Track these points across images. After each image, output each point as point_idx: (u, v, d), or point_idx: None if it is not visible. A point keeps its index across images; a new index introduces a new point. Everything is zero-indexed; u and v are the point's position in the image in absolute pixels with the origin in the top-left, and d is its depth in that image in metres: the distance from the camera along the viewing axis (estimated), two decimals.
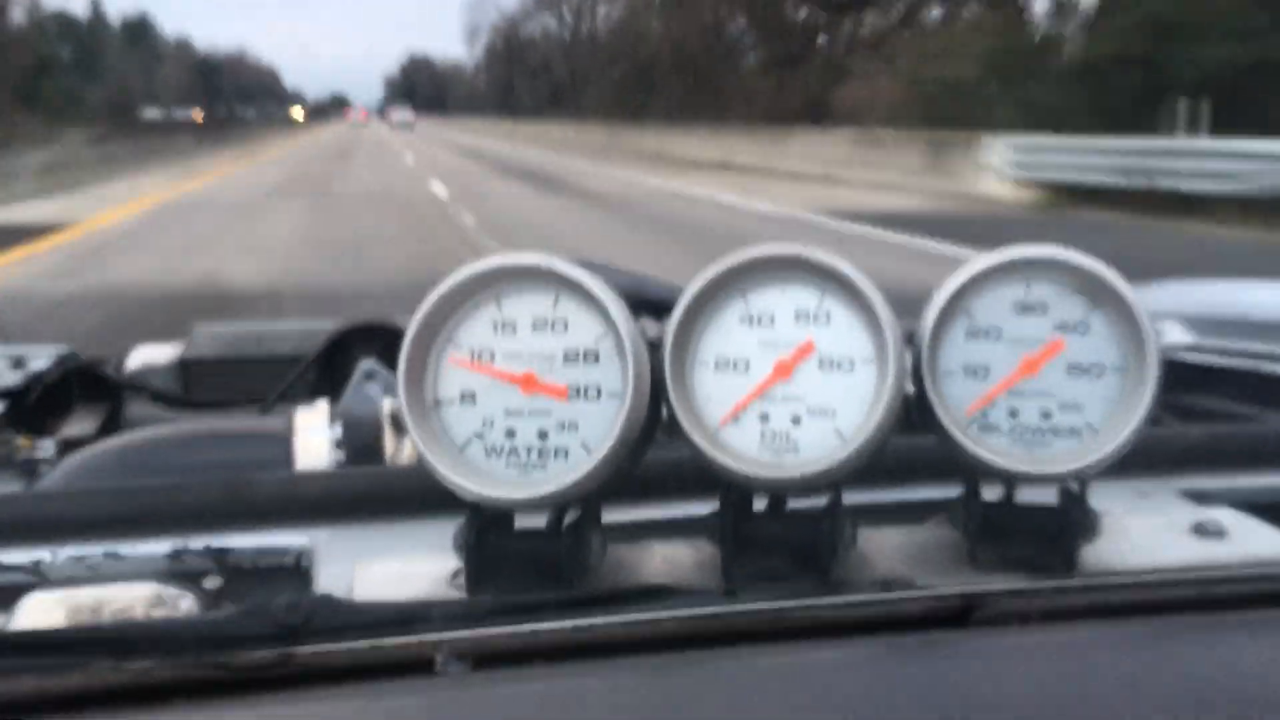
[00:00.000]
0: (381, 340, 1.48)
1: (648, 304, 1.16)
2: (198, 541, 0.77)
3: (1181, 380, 1.33)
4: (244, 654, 0.54)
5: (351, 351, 1.48)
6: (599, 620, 0.57)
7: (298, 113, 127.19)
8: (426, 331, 0.67)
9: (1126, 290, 0.66)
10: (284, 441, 1.07)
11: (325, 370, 1.51)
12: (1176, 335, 1.49)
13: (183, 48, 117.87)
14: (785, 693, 0.52)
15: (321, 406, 1.14)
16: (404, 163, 28.43)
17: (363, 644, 0.55)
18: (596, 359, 0.66)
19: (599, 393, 0.66)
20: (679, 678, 0.54)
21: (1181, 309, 1.55)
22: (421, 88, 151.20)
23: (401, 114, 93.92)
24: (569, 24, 66.20)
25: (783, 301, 0.67)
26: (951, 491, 0.73)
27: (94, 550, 0.76)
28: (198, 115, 74.28)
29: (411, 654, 0.55)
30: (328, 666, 0.54)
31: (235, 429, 1.23)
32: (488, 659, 0.55)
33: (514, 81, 75.80)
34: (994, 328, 0.68)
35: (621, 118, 41.67)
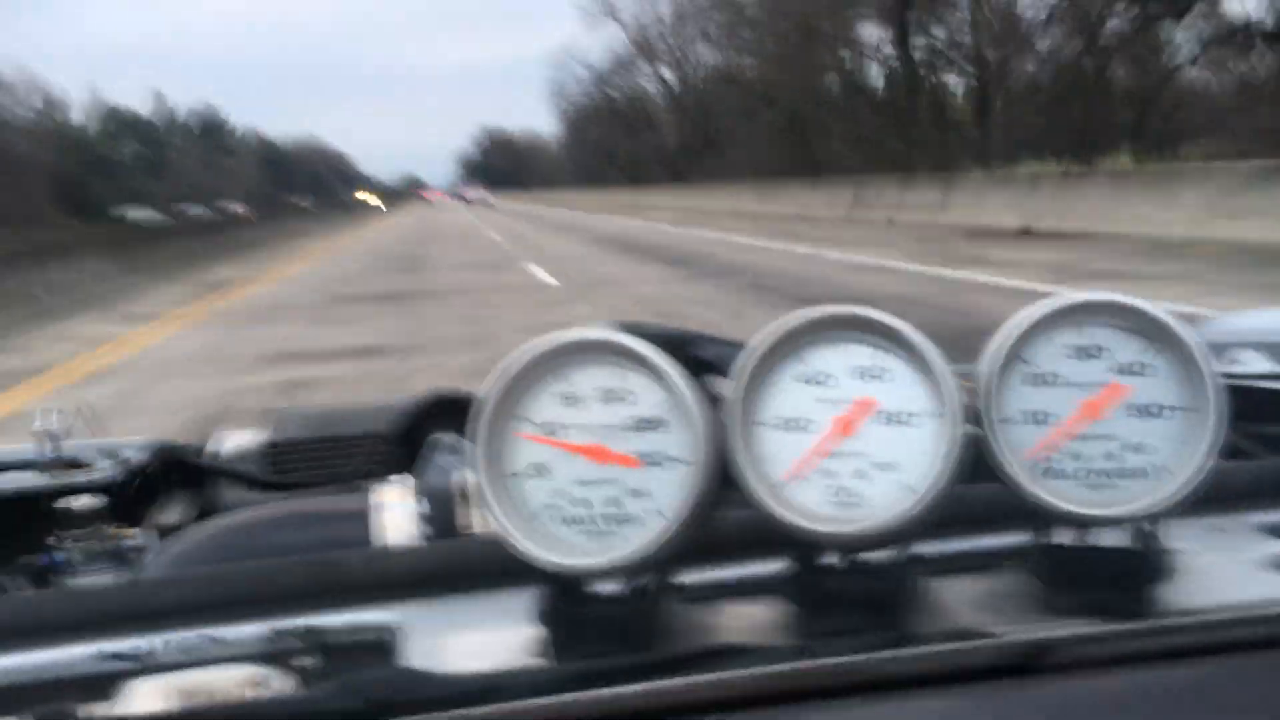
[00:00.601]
0: (449, 412, 1.51)
1: (698, 362, 1.18)
2: (291, 622, 0.80)
3: (1263, 409, 1.30)
4: None
5: (428, 425, 1.52)
6: (676, 683, 0.59)
7: (368, 197, 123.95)
8: (499, 408, 0.70)
9: (1182, 329, 0.67)
10: (368, 519, 1.11)
11: (405, 445, 1.55)
12: (1256, 363, 1.46)
13: (251, 139, 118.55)
14: None
15: (402, 481, 1.18)
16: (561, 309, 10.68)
17: (449, 714, 0.57)
18: (664, 426, 0.68)
19: (667, 459, 0.68)
20: None
21: (1261, 337, 1.53)
22: (497, 162, 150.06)
23: (476, 192, 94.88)
24: (672, 76, 55.44)
25: (840, 360, 0.69)
26: (1022, 538, 0.73)
27: (193, 635, 0.79)
28: (239, 209, 62.39)
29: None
30: None
31: (321, 509, 1.26)
32: None
33: (616, 146, 65.58)
34: (1052, 373, 0.69)
35: (790, 176, 31.51)
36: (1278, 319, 1.75)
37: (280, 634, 0.79)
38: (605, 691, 0.58)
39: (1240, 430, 1.03)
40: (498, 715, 0.57)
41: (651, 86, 60.12)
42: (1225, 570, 0.73)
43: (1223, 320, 1.69)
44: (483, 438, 0.69)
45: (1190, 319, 0.70)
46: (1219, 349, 1.46)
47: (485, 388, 0.70)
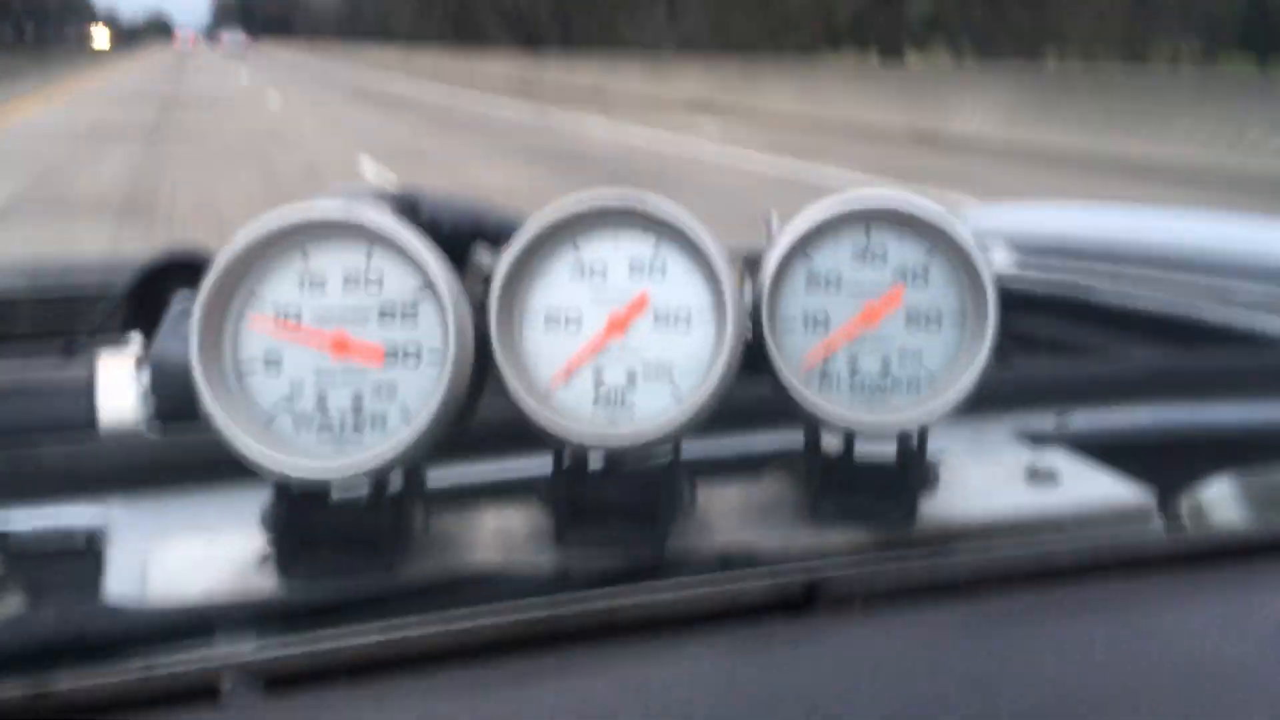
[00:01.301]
0: (193, 273, 1.37)
1: (486, 235, 1.10)
2: None
3: (1006, 303, 1.36)
4: None
5: (168, 284, 1.37)
6: (414, 625, 0.52)
7: (101, 37, 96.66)
8: (224, 288, 0.60)
9: (964, 235, 0.65)
10: (85, 392, 0.98)
11: (138, 307, 1.40)
12: (1001, 258, 1.52)
13: None
14: (620, 697, 0.49)
15: (130, 349, 1.05)
16: None
17: (136, 666, 0.49)
18: (415, 317, 0.61)
19: (419, 353, 0.61)
20: (504, 690, 0.50)
21: (1004, 232, 1.59)
22: (261, 6, 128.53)
23: (232, 37, 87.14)
24: None
25: (616, 252, 0.63)
26: (792, 441, 0.71)
27: None
28: None
29: (194, 678, 0.48)
30: (92, 703, 0.48)
31: (29, 380, 1.12)
32: (283, 680, 0.49)
33: None
34: (834, 276, 0.66)
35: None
36: (1018, 216, 1.83)
37: None
38: (326, 635, 0.51)
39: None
40: (193, 665, 0.49)
41: None
42: (984, 480, 0.74)
43: (968, 215, 1.75)
44: (201, 319, 0.59)
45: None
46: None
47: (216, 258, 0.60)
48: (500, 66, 31.27)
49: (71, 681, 0.47)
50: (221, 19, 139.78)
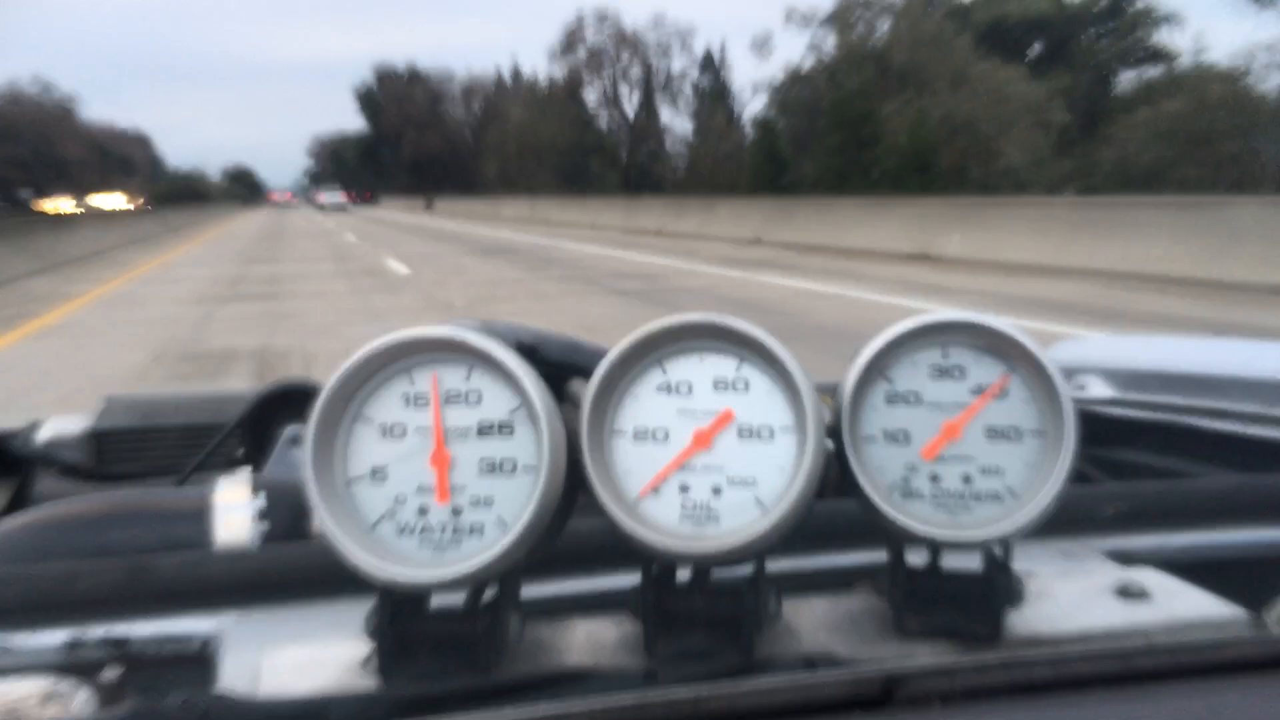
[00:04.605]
0: (300, 403, 1.43)
1: (577, 369, 1.15)
2: (96, 629, 0.73)
3: (1104, 434, 1.34)
4: None
5: (275, 417, 1.44)
6: (510, 713, 0.55)
7: (63, 203, 56.07)
8: (335, 406, 0.65)
9: (1040, 354, 0.67)
10: (201, 516, 1.04)
11: (249, 438, 1.47)
12: (1098, 389, 1.51)
13: None
14: None
15: (242, 476, 1.11)
16: None
17: None
18: (511, 432, 0.65)
19: (514, 467, 0.64)
20: None
21: (1102, 363, 1.58)
22: (380, 150, 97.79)
23: (331, 196, 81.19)
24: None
25: (701, 370, 0.66)
26: (876, 557, 0.72)
27: None
28: None
29: None
30: None
31: (149, 504, 1.18)
32: None
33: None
34: (913, 392, 0.68)
35: None
36: (1119, 346, 1.82)
37: (83, 643, 0.73)
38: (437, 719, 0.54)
39: (1083, 455, 1.06)
40: None
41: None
42: (1072, 596, 0.73)
43: (1066, 345, 1.75)
44: (315, 437, 0.64)
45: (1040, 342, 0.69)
46: (1065, 374, 1.50)
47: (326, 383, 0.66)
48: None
49: None
50: (318, 176, 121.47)
